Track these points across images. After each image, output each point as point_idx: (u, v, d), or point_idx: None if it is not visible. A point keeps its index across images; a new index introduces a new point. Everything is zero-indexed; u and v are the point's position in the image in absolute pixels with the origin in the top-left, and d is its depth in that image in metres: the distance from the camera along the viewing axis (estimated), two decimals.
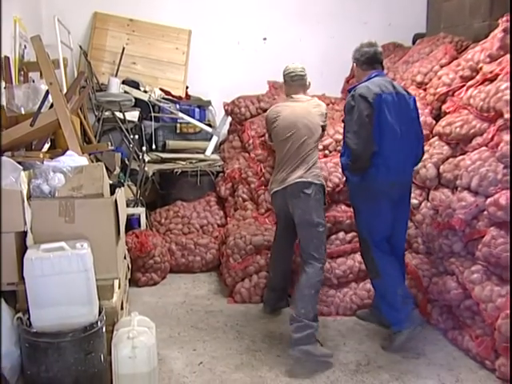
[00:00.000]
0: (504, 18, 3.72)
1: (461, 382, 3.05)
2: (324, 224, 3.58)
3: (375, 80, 3.41)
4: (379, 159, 3.32)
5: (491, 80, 3.60)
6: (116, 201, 2.80)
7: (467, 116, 3.66)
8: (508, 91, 3.30)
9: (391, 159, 3.33)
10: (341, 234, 4.11)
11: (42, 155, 3.15)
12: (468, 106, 3.69)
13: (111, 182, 3.22)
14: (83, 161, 3.09)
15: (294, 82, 3.76)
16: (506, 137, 3.25)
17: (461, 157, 3.62)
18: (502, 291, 3.09)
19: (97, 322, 2.55)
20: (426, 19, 5.94)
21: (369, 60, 3.47)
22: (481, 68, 3.78)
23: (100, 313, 2.61)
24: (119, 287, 3.04)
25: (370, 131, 3.28)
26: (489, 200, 3.25)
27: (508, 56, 3.55)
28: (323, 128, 3.76)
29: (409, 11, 6.08)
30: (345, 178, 3.76)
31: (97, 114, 5.29)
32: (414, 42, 5.59)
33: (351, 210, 4.00)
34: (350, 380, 3.06)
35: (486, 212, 3.28)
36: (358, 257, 3.92)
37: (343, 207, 4.16)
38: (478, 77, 3.78)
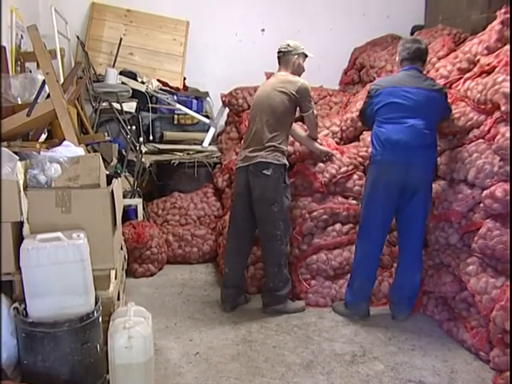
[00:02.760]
0: (502, 11, 3.71)
1: (455, 372, 3.06)
2: (281, 202, 3.66)
3: (396, 74, 3.71)
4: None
5: (488, 72, 3.59)
6: (112, 191, 2.79)
7: (464, 108, 3.66)
8: (505, 83, 3.29)
9: (389, 144, 3.52)
10: (337, 226, 4.10)
11: (38, 145, 3.13)
12: (465, 98, 3.68)
13: (108, 172, 3.21)
14: (80, 151, 3.08)
15: (278, 59, 3.88)
16: (503, 129, 3.25)
17: (458, 149, 3.62)
18: (498, 283, 3.10)
19: (93, 312, 2.55)
20: (424, 11, 5.93)
21: (409, 56, 3.62)
22: (478, 60, 3.77)
23: (96, 303, 2.61)
24: (116, 278, 3.03)
25: (365, 118, 3.78)
26: (485, 192, 3.25)
27: (505, 48, 3.53)
28: (302, 109, 3.76)
29: (407, 3, 6.08)
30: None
31: (94, 104, 5.29)
32: (412, 34, 5.58)
33: (348, 201, 4.14)
34: (346, 371, 3.08)
35: (482, 204, 3.29)
36: (354, 248, 3.92)
37: (340, 199, 4.13)
38: (476, 69, 3.77)
